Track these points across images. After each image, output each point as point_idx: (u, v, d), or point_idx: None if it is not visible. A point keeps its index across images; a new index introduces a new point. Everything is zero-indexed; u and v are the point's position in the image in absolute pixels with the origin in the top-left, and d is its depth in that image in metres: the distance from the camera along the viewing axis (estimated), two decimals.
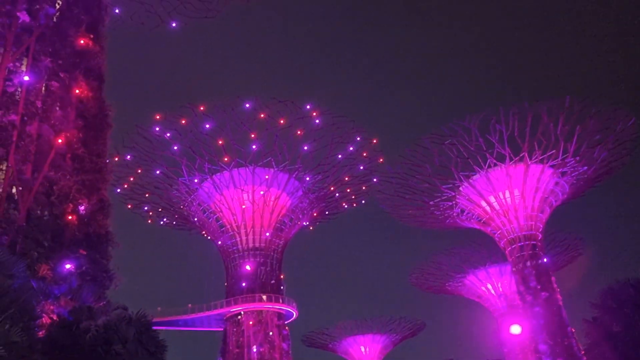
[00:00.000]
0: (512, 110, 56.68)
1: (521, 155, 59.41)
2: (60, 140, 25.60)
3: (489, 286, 78.71)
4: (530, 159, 59.33)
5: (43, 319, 22.94)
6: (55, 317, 22.86)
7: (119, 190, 62.40)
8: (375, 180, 66.40)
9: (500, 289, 77.31)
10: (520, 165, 60.17)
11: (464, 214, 66.25)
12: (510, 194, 61.23)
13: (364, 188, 68.56)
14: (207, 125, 57.46)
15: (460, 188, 63.24)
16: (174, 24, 40.91)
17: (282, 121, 58.21)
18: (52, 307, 23.83)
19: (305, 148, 61.07)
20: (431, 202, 65.95)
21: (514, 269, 61.69)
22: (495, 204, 62.04)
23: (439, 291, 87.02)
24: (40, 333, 22.04)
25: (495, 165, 60.62)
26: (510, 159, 59.85)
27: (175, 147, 59.28)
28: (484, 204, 62.90)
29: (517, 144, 59.07)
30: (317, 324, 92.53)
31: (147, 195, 65.92)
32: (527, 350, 63.89)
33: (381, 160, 64.82)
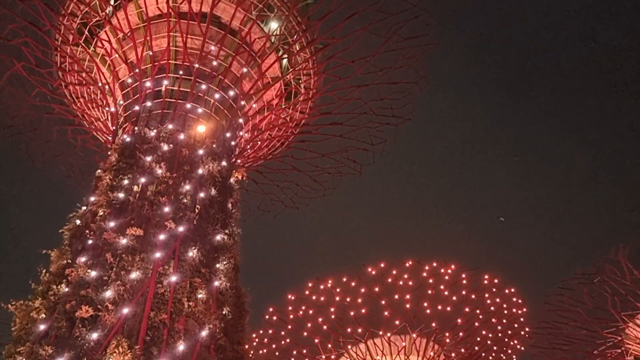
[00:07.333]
0: None
1: None
2: (203, 333, 26.89)
3: None
4: None
5: None
6: None
7: None
8: (527, 330, 60.48)
9: None
10: None
11: None
12: None
13: (515, 342, 62.30)
14: (337, 298, 57.73)
15: (627, 330, 55.15)
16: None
17: (410, 282, 57.06)
18: None
19: (439, 307, 58.22)
20: (595, 352, 57.72)
21: None
22: None
23: None
24: None
25: None
26: None
27: (309, 324, 59.55)
28: None
29: None
30: None
31: None
32: None
33: (525, 309, 59.58)
